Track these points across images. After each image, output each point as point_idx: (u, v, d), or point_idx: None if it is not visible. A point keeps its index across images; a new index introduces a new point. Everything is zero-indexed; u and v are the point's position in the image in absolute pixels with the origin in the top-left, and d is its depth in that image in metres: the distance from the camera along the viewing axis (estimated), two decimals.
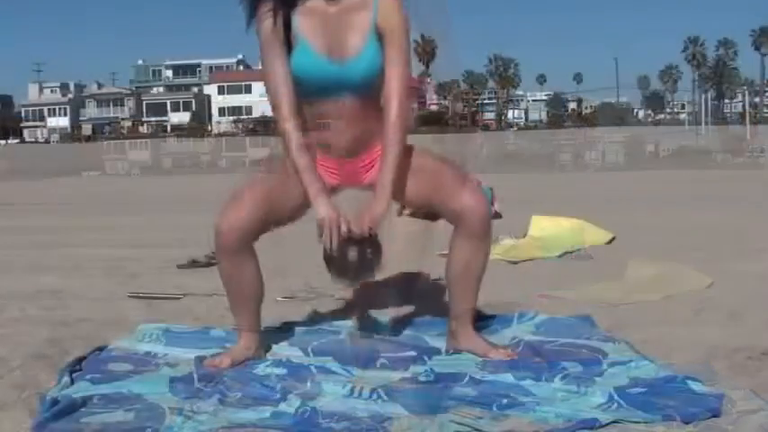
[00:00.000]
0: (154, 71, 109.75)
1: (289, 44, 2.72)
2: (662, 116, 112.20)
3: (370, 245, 2.72)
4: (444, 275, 2.96)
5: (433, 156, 2.90)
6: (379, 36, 2.73)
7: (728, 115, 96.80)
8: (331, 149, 2.82)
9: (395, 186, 2.76)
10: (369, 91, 2.76)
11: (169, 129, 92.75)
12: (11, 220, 8.65)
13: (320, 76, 2.71)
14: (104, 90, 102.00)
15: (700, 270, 4.32)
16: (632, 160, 22.13)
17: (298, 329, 3.27)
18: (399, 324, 3.30)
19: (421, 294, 3.79)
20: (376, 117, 2.78)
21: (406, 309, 3.68)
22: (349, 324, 3.37)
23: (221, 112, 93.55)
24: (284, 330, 3.25)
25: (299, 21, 2.73)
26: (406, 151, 2.82)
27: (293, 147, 2.74)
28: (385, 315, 3.48)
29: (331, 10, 2.74)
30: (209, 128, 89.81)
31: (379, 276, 2.82)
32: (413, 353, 2.92)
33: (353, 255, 2.71)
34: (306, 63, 2.72)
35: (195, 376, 2.64)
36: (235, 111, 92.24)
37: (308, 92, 2.76)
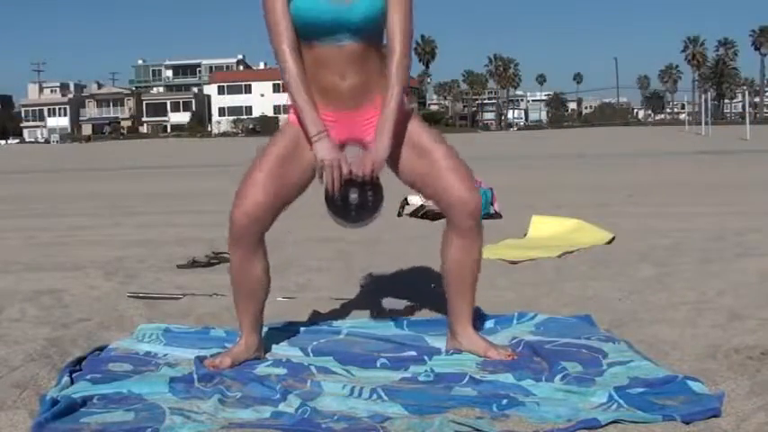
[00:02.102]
0: (154, 71, 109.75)
1: None
2: (662, 116, 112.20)
3: (371, 187, 2.71)
4: (442, 277, 2.96)
5: (435, 136, 2.87)
6: None
7: (729, 115, 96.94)
8: (332, 99, 2.78)
9: (397, 127, 2.75)
10: (370, 35, 2.74)
11: (169, 128, 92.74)
12: None
13: (320, 17, 2.68)
14: (104, 90, 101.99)
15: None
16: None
17: (298, 329, 3.27)
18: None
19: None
20: (377, 67, 2.77)
21: (407, 309, 3.69)
22: (349, 324, 3.37)
23: (221, 112, 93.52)
24: (284, 330, 3.26)
25: None
26: (406, 116, 2.81)
27: (293, 82, 2.73)
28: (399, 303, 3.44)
29: None
30: (209, 128, 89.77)
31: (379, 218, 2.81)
32: (413, 353, 2.92)
33: (354, 197, 2.70)
34: (305, 3, 2.69)
35: (195, 376, 2.64)
36: (235, 111, 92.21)
37: (308, 34, 2.72)
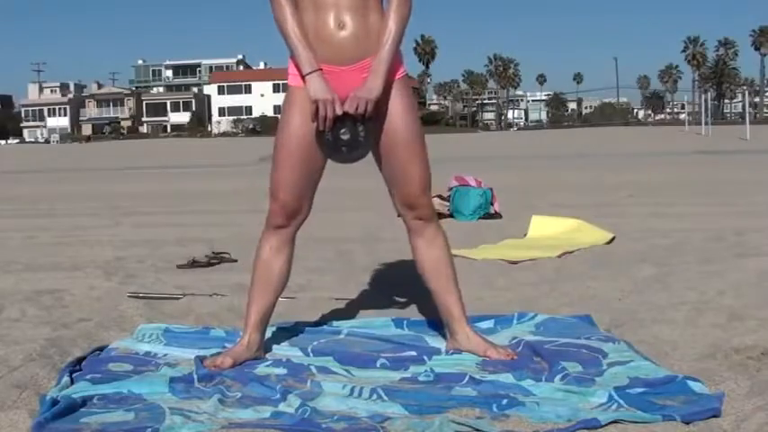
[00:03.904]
0: (154, 71, 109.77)
1: None
2: (662, 116, 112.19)
3: (362, 124, 2.72)
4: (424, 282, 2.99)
5: (420, 139, 2.88)
6: None
7: (729, 115, 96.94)
8: (328, 51, 2.76)
9: (393, 64, 2.76)
10: None
11: (169, 129, 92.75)
12: None
13: None
14: (104, 90, 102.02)
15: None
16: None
17: (298, 329, 3.27)
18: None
19: None
20: (376, 24, 2.76)
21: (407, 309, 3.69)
22: (349, 324, 3.37)
23: (221, 112, 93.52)
24: (284, 330, 3.26)
25: None
26: (405, 90, 2.83)
27: (288, 20, 2.73)
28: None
29: None
30: (209, 128, 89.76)
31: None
32: (413, 353, 2.92)
33: (346, 133, 2.71)
34: None
35: (195, 376, 2.64)
36: (235, 111, 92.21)
37: None
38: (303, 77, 2.74)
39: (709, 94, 62.10)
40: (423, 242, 2.94)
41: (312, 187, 2.88)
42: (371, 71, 2.74)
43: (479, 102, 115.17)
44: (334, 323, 3.39)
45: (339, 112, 2.70)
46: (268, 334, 3.07)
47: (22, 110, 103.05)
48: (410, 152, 2.84)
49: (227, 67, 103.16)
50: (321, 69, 2.73)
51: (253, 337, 2.89)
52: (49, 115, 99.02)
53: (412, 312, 3.65)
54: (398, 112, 2.82)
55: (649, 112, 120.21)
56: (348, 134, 2.72)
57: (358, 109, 2.70)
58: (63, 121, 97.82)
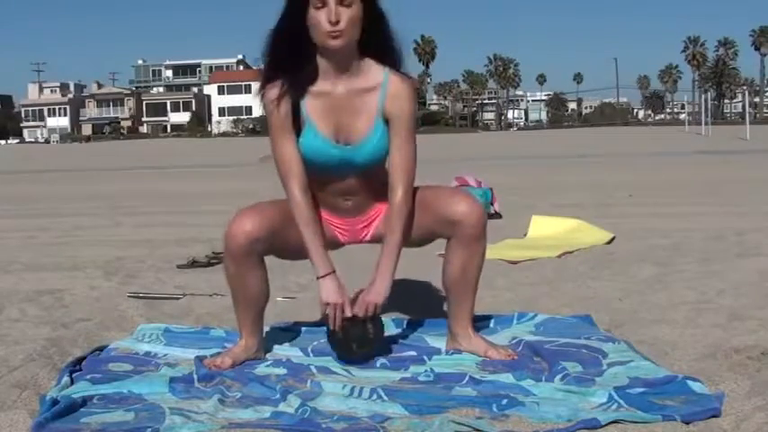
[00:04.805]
0: (154, 71, 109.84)
1: (298, 125, 2.75)
2: (662, 116, 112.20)
3: (371, 323, 2.81)
4: (441, 279, 2.96)
5: (421, 187, 2.89)
6: (386, 119, 2.75)
7: (729, 115, 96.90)
8: (337, 213, 2.91)
9: (395, 271, 2.82)
10: (373, 169, 2.82)
11: (169, 129, 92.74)
12: None
13: (326, 159, 2.76)
14: (104, 90, 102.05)
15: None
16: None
17: (298, 329, 3.27)
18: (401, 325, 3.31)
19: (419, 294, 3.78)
20: (380, 185, 2.83)
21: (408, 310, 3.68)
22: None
23: (221, 112, 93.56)
24: (284, 330, 3.26)
25: (308, 103, 2.74)
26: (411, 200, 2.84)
27: (303, 224, 2.76)
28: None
29: (339, 91, 2.73)
30: (209, 128, 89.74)
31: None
32: (413, 353, 2.92)
33: (356, 333, 2.79)
34: (313, 146, 2.75)
35: (195, 376, 2.64)
36: (235, 111, 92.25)
37: (315, 170, 2.80)
38: (317, 277, 2.78)
39: (709, 94, 62.13)
40: (466, 251, 2.83)
41: (273, 246, 2.84)
42: (378, 273, 2.79)
43: (479, 102, 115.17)
44: None
45: (348, 314, 2.76)
46: (268, 334, 3.07)
47: (22, 110, 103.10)
48: (431, 193, 2.86)
49: (227, 67, 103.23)
50: (334, 272, 2.78)
51: (251, 339, 2.89)
52: (49, 115, 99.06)
53: (412, 312, 3.64)
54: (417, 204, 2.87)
55: (649, 112, 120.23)
56: (358, 334, 2.79)
57: (367, 312, 2.76)
58: (63, 121, 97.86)
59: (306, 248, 2.77)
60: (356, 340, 2.80)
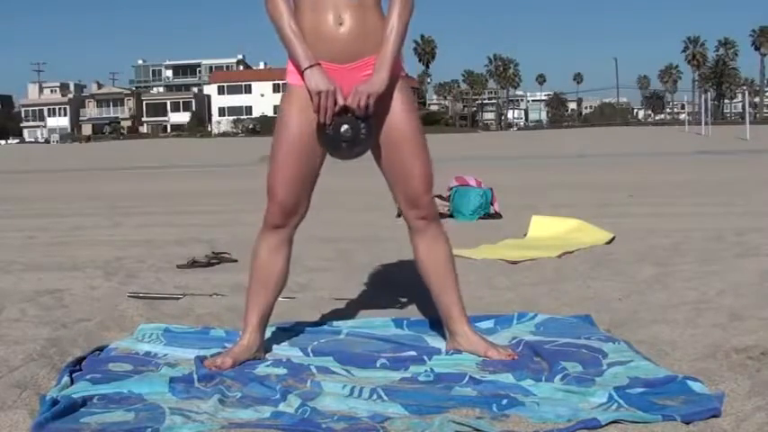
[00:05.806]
0: (154, 71, 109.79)
1: None
2: (662, 116, 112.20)
3: (363, 120, 2.70)
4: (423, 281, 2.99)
5: (422, 137, 2.88)
6: None
7: (728, 115, 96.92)
8: (328, 47, 2.75)
9: (395, 61, 2.75)
10: None
11: (169, 129, 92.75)
12: None
13: None
14: (104, 90, 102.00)
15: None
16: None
17: (298, 329, 3.27)
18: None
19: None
20: (375, 22, 2.76)
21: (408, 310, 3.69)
22: (349, 324, 3.37)
23: (221, 112, 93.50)
24: (284, 330, 3.26)
25: None
26: (405, 89, 2.82)
27: (282, 15, 2.72)
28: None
29: None
30: (209, 128, 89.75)
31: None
32: (413, 353, 2.92)
33: (348, 130, 2.70)
34: None
35: (195, 376, 2.64)
36: (235, 111, 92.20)
37: None
38: (302, 73, 2.72)
39: (709, 94, 62.14)
40: (424, 242, 2.93)
41: (310, 186, 2.87)
42: (375, 66, 2.74)
43: (479, 102, 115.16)
44: (334, 323, 3.39)
45: (341, 102, 2.69)
46: (268, 334, 3.06)
47: (22, 110, 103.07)
48: (412, 149, 2.84)
49: (227, 67, 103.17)
50: (320, 64, 2.72)
51: (252, 338, 2.89)
52: (49, 115, 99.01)
53: (412, 312, 3.64)
54: (399, 110, 2.82)
55: (649, 112, 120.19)
56: (349, 130, 2.70)
57: (360, 103, 2.69)
58: (63, 121, 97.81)
59: (286, 43, 2.72)
60: (347, 138, 2.70)
